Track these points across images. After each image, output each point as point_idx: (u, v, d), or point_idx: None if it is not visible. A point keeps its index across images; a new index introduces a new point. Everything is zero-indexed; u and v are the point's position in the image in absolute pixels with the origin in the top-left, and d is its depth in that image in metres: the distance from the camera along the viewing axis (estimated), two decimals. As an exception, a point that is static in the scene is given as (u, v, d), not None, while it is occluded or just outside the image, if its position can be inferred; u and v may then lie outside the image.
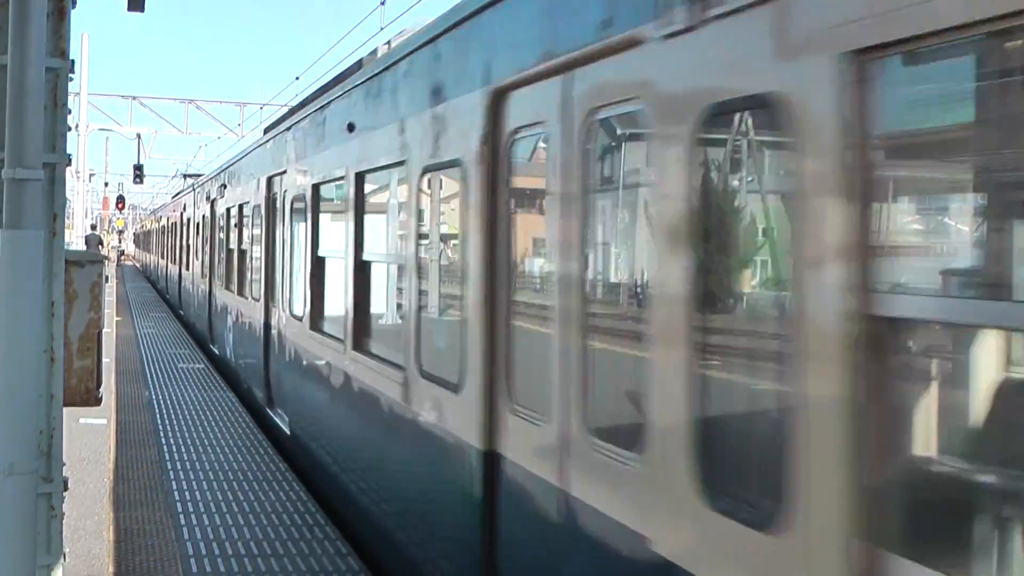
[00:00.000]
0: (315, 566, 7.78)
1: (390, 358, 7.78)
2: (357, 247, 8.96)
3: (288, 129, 12.73)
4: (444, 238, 7.06)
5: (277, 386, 13.04)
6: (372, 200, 9.05)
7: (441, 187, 7.06)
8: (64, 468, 4.99)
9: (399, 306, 7.94)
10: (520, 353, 5.47)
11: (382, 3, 20.82)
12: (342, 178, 9.39)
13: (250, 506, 9.32)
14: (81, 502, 9.08)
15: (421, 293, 7.11)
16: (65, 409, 5.03)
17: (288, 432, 11.95)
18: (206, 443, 11.99)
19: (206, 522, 8.79)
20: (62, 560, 4.97)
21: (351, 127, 9.08)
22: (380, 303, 9.02)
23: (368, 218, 9.05)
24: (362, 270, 8.93)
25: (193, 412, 14.05)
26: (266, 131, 16.26)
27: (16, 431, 4.52)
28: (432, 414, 6.67)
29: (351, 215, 9.03)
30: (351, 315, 8.95)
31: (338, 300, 9.69)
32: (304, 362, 11.25)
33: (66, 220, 5.23)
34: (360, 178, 8.87)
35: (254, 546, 8.20)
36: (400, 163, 7.45)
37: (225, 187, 19.34)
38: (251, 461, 11.14)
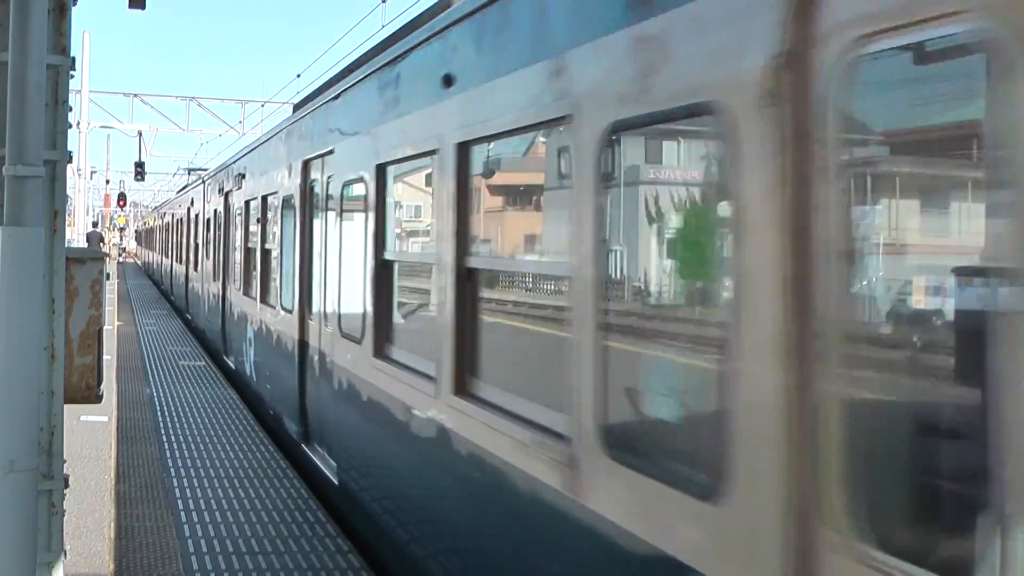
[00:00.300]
0: (315, 563, 7.78)
1: (533, 418, 5.10)
2: (460, 249, 6.14)
3: (336, 97, 9.84)
4: (664, 232, 4.58)
5: (318, 420, 10.30)
6: (488, 181, 6.43)
7: (653, 153, 4.61)
8: (64, 465, 5.00)
9: (556, 340, 4.91)
10: (891, 444, 3.09)
11: (383, 1, 20.84)
12: (432, 152, 6.64)
13: (251, 503, 9.33)
14: (82, 499, 9.08)
15: (606, 320, 4.35)
16: (66, 406, 5.03)
17: (336, 482, 9.19)
18: (207, 440, 12.00)
19: (207, 519, 8.80)
20: (62, 557, 4.97)
21: (449, 80, 6.43)
22: (503, 331, 6.32)
23: (482, 207, 6.33)
24: (468, 281, 6.14)
25: (194, 409, 14.05)
26: (296, 108, 13.40)
27: (16, 428, 4.53)
28: (639, 525, 4.03)
29: (447, 203, 6.28)
30: (450, 346, 6.15)
31: (421, 322, 7.30)
32: (364, 398, 8.30)
33: (67, 217, 5.23)
34: (464, 150, 6.17)
35: (255, 543, 8.21)
36: (556, 121, 4.93)
37: (243, 176, 17.06)
38: (251, 458, 11.14)
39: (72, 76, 5.05)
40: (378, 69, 8.19)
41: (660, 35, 3.99)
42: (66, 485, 5.00)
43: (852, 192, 3.11)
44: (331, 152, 9.94)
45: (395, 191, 8.05)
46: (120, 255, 76.46)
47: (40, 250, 4.63)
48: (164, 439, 12.00)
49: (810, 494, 3.05)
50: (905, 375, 3.06)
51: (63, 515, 4.98)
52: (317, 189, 10.84)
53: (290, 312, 11.79)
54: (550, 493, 4.70)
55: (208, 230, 20.99)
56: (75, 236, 42.90)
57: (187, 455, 11.21)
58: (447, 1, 7.25)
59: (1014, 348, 2.49)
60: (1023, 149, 2.48)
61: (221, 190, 19.35)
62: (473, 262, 6.13)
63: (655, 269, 4.64)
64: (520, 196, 6.52)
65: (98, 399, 5.30)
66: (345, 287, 9.15)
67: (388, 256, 7.84)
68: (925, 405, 2.97)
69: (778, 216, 3.26)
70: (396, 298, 7.91)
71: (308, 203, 11.22)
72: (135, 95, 47.64)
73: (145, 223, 61.02)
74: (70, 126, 5.08)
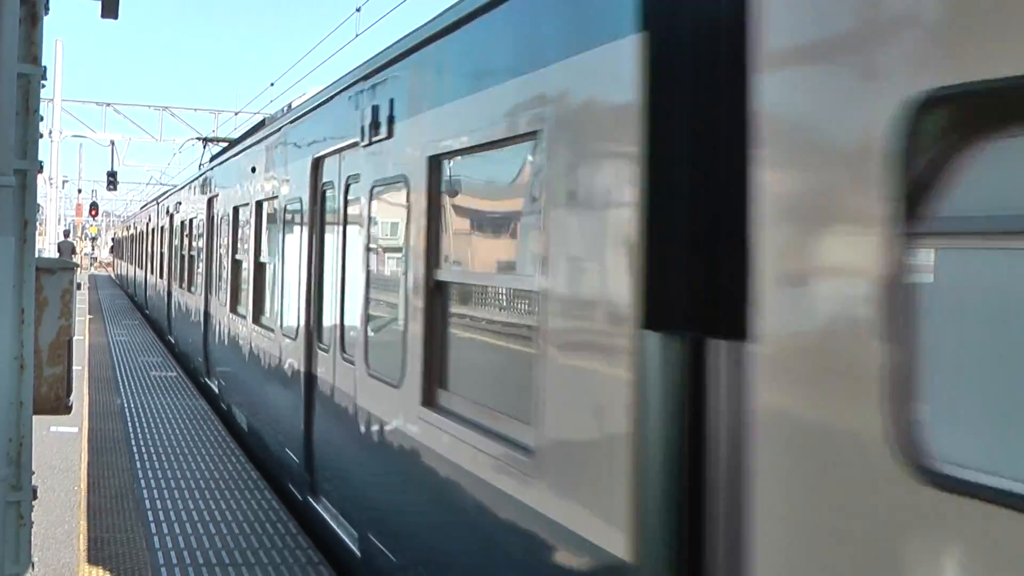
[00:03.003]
0: (286, 575, 7.75)
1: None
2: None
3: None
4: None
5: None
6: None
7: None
8: (33, 477, 4.97)
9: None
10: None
11: (357, 10, 20.85)
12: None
13: (221, 514, 9.29)
14: (51, 510, 9.02)
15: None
16: (36, 417, 5.00)
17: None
18: (178, 451, 11.94)
19: (177, 531, 8.75)
20: (30, 569, 4.94)
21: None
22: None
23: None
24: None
25: (165, 420, 13.98)
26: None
27: (-15, 439, 4.49)
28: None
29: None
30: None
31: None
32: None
33: (38, 227, 5.20)
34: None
35: (225, 555, 8.17)
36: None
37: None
38: (223, 469, 11.09)
39: (44, 85, 5.03)
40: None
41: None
42: (34, 496, 4.96)
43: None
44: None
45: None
46: (91, 265, 75.97)
47: (10, 260, 4.60)
48: (135, 450, 11.93)
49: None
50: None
51: (31, 527, 4.94)
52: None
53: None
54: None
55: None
56: (46, 246, 42.63)
57: (158, 466, 11.15)
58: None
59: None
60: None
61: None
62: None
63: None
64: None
65: (67, 410, 5.27)
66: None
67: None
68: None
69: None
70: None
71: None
72: (108, 104, 47.47)
73: (129, 228, 51.87)
74: (41, 135, 5.06)
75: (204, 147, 27.83)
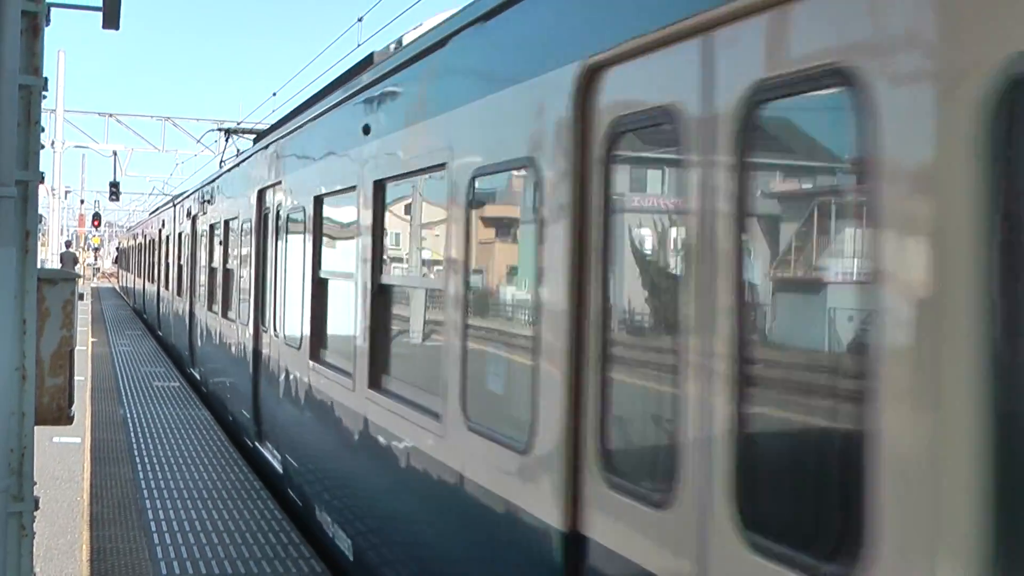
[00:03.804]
0: (289, 585, 7.75)
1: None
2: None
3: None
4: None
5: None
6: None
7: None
8: (35, 487, 4.96)
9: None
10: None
11: (359, 20, 20.91)
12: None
13: (224, 525, 9.28)
14: (54, 521, 9.02)
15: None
16: (39, 428, 5.00)
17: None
18: (180, 461, 11.93)
19: (180, 541, 8.75)
20: (33, 579, 4.93)
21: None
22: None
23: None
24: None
25: (168, 430, 13.98)
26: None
27: (-13, 450, 4.49)
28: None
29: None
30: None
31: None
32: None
33: (40, 237, 5.21)
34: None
35: (228, 565, 8.17)
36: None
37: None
38: (225, 479, 11.09)
39: (45, 96, 5.04)
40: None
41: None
42: (37, 507, 4.96)
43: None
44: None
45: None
46: (94, 276, 75.98)
47: (11, 270, 4.60)
48: (138, 460, 11.93)
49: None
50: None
51: (33, 537, 4.94)
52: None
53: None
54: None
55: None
56: (49, 256, 42.69)
57: (161, 476, 11.14)
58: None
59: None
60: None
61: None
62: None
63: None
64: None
65: (69, 420, 5.27)
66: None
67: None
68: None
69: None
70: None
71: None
72: (110, 115, 47.55)
73: (140, 234, 43.72)
74: (43, 146, 5.07)
75: (227, 140, 23.87)
